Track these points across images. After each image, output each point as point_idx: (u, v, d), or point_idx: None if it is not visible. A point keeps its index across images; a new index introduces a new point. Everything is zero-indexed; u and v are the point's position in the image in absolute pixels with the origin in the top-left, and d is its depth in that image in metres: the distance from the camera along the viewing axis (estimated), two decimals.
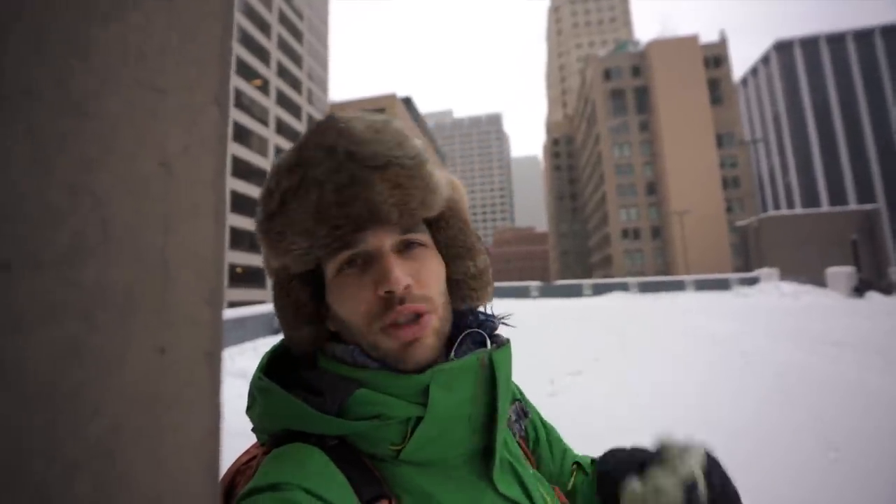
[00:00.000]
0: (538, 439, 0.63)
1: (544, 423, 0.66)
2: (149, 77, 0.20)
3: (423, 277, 0.47)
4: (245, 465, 0.45)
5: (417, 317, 0.45)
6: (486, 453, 0.47)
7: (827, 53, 70.32)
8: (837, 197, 67.13)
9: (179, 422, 0.21)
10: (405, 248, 0.47)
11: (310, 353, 0.50)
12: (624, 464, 0.56)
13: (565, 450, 0.66)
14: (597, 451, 0.65)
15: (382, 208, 0.42)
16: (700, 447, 0.52)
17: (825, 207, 55.93)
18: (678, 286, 22.95)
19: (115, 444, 0.18)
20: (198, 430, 0.22)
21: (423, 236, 0.49)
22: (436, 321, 0.47)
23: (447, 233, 0.52)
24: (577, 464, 0.66)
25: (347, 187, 0.41)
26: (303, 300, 0.49)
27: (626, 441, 0.65)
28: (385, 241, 0.46)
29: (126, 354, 0.19)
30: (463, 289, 0.52)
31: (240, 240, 35.35)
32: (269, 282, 0.53)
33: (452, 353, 0.49)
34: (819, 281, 18.74)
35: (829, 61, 70.16)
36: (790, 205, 72.99)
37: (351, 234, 0.43)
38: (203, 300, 0.22)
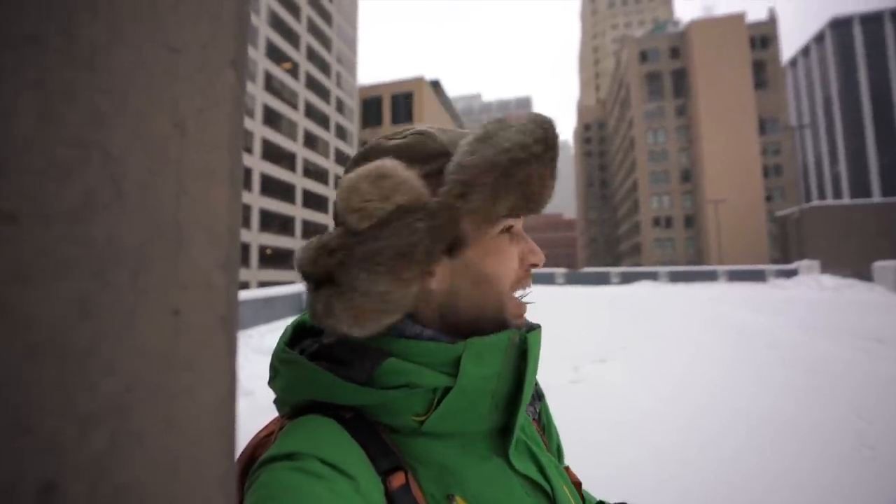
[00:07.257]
0: (549, 423, 0.64)
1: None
2: (162, 34, 0.19)
3: None
4: (264, 439, 0.46)
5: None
6: (503, 432, 0.48)
7: (892, 30, 64.94)
8: (893, 188, 62.73)
9: (194, 384, 0.21)
10: None
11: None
12: None
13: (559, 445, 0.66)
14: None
15: (547, 200, 0.50)
16: None
17: (876, 198, 52.42)
18: (710, 276, 22.23)
19: (129, 402, 0.18)
20: (213, 392, 0.22)
21: None
22: None
23: None
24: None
25: (551, 176, 0.48)
26: (439, 251, 0.46)
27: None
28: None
29: (139, 314, 0.18)
30: None
31: (270, 222, 36.25)
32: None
33: None
34: (864, 275, 17.74)
35: (894, 39, 64.82)
36: (837, 195, 68.83)
37: (529, 209, 0.49)
38: (218, 265, 0.22)
